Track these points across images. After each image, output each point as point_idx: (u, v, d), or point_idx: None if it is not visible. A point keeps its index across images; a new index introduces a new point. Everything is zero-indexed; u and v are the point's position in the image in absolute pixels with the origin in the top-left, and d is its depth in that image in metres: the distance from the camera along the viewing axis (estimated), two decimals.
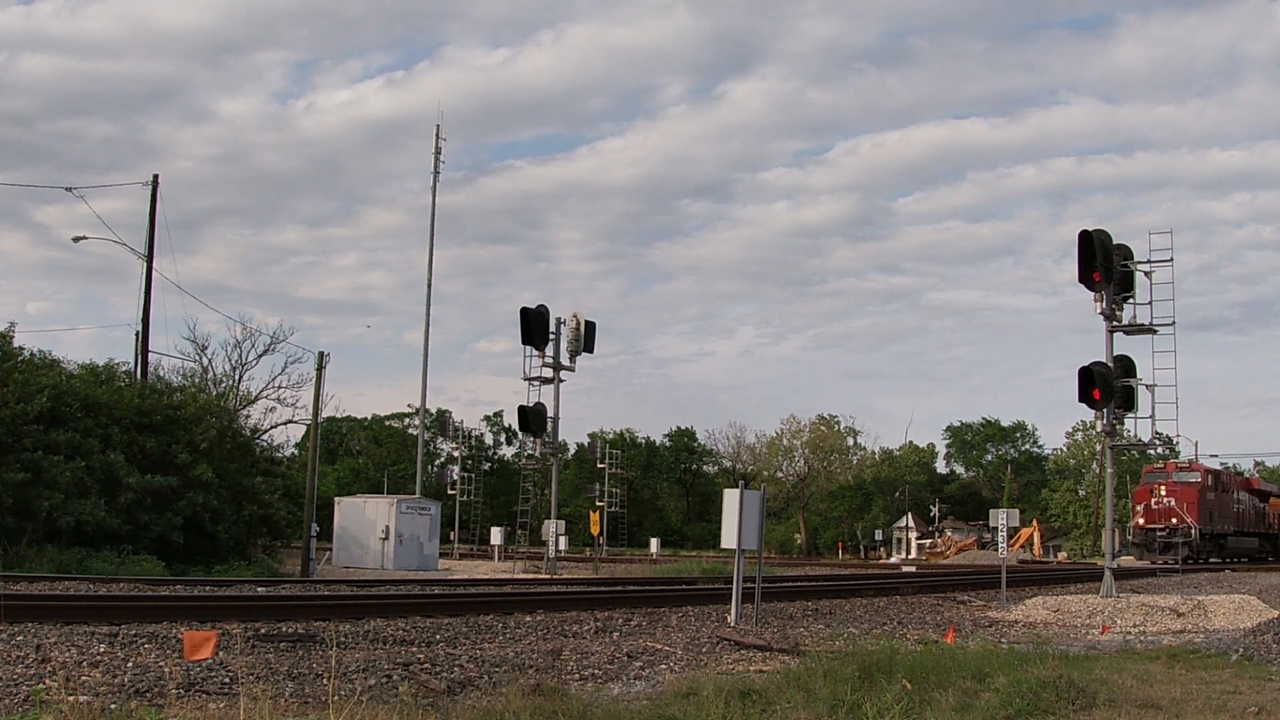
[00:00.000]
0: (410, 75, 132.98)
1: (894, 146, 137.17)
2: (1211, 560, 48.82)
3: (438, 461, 69.69)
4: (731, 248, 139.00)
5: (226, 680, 8.90)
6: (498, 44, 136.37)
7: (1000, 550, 22.51)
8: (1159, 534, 47.67)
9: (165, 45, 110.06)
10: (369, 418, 78.90)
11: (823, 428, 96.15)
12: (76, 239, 38.53)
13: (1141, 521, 49.24)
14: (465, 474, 52.88)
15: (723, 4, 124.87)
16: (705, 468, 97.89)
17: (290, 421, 44.68)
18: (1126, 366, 22.82)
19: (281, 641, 11.63)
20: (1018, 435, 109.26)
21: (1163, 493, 48.67)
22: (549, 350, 32.93)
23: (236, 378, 45.26)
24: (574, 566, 40.53)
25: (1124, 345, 23.06)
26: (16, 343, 29.95)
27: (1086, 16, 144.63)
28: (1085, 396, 22.16)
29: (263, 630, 12.24)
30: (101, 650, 10.22)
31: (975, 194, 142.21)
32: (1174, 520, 47.86)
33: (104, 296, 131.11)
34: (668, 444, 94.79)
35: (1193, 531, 47.31)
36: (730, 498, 15.97)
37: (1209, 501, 50.10)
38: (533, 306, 32.37)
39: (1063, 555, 76.51)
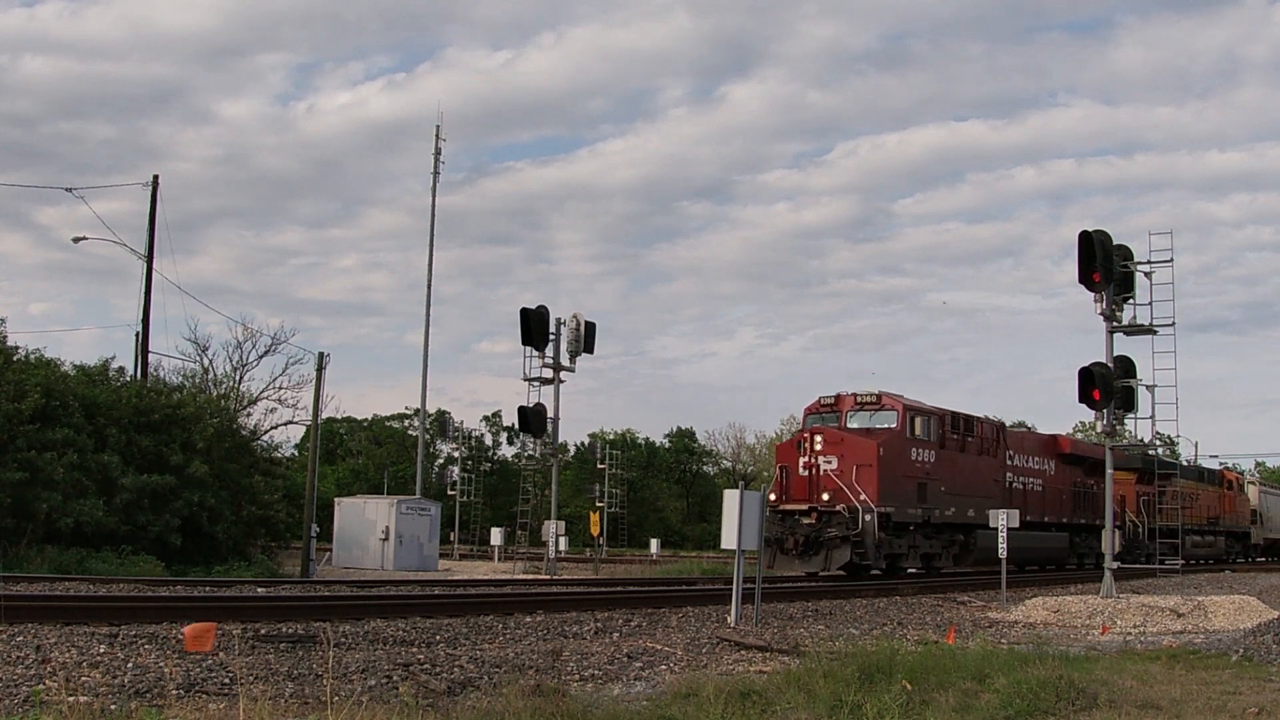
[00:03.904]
0: (411, 77, 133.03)
1: (894, 148, 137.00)
2: (944, 572, 30.85)
3: (438, 462, 69.70)
4: (732, 249, 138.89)
5: (226, 681, 8.90)
6: (498, 46, 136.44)
7: (1000, 550, 22.50)
8: (803, 522, 27.01)
9: (167, 47, 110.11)
10: (369, 418, 78.98)
11: None
12: (76, 239, 38.45)
13: (773, 498, 27.23)
14: (465, 474, 52.83)
15: (723, 6, 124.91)
16: (705, 468, 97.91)
17: (290, 422, 44.61)
18: (1126, 367, 22.83)
19: (281, 642, 11.62)
20: None
21: (818, 447, 27.55)
22: (549, 351, 32.91)
23: (237, 379, 45.24)
24: (574, 567, 40.51)
25: (1124, 346, 23.06)
26: (16, 343, 29.98)
27: (1086, 19, 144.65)
28: (1085, 397, 22.17)
29: (263, 630, 12.24)
30: (101, 651, 10.21)
31: (975, 195, 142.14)
32: (824, 497, 26.94)
33: (105, 298, 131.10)
34: (668, 444, 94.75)
35: (863, 519, 26.28)
36: (730, 498, 15.98)
37: (916, 465, 28.41)
38: (533, 307, 32.37)
39: None
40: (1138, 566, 34.95)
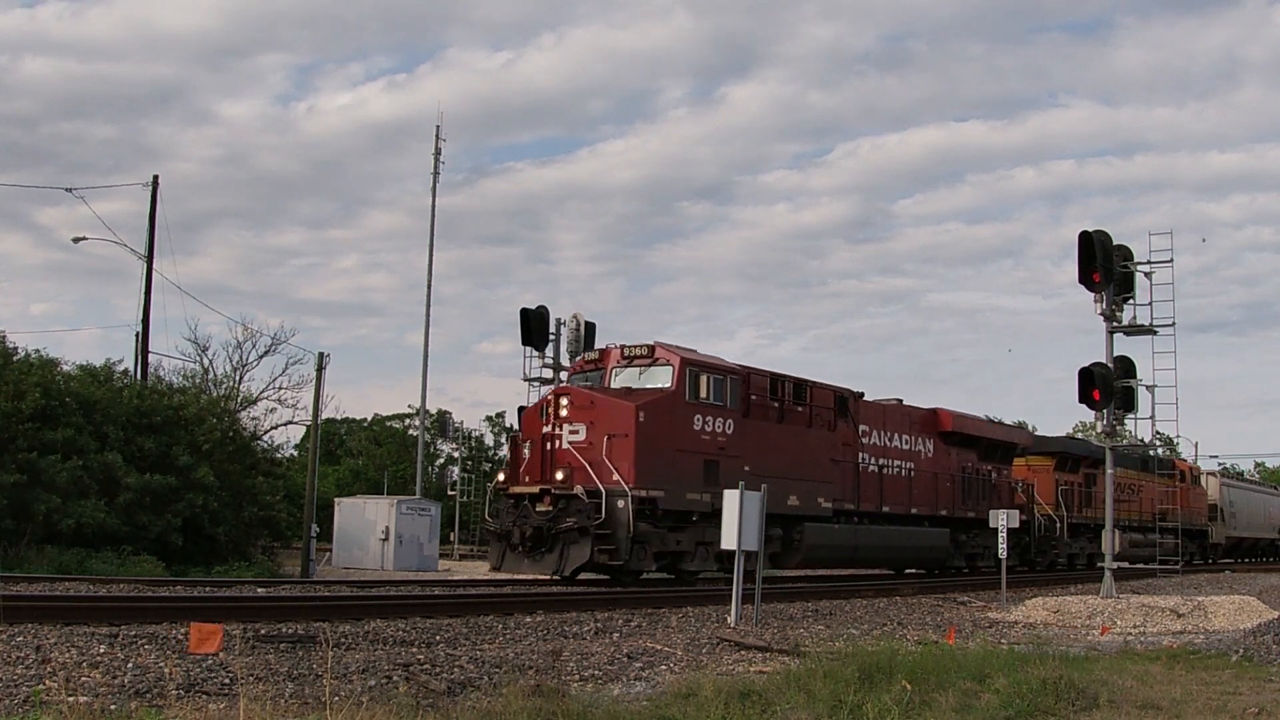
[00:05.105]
0: (412, 78, 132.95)
1: (894, 149, 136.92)
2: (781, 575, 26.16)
3: (438, 462, 69.66)
4: (732, 249, 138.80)
5: (226, 681, 8.90)
6: (499, 47, 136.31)
7: (1000, 551, 22.50)
8: (537, 510, 21.48)
9: (167, 48, 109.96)
10: (369, 418, 79.03)
11: None
12: (76, 239, 38.42)
13: (501, 478, 23.29)
14: (465, 474, 52.81)
15: (723, 7, 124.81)
16: None
17: (290, 422, 44.60)
18: (1126, 367, 22.83)
19: (281, 642, 11.62)
20: None
21: (563, 413, 21.94)
22: (549, 351, 32.89)
23: (237, 379, 45.23)
24: None
25: (1124, 346, 23.05)
26: (16, 343, 29.97)
27: (1086, 20, 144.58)
28: (1085, 397, 22.17)
29: (263, 631, 12.24)
30: (101, 651, 10.21)
31: (975, 196, 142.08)
32: (559, 476, 21.25)
33: (106, 298, 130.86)
34: None
35: (613, 506, 20.75)
36: (730, 498, 15.99)
37: (702, 437, 22.62)
38: (533, 308, 32.37)
39: None
40: (1036, 573, 30.85)
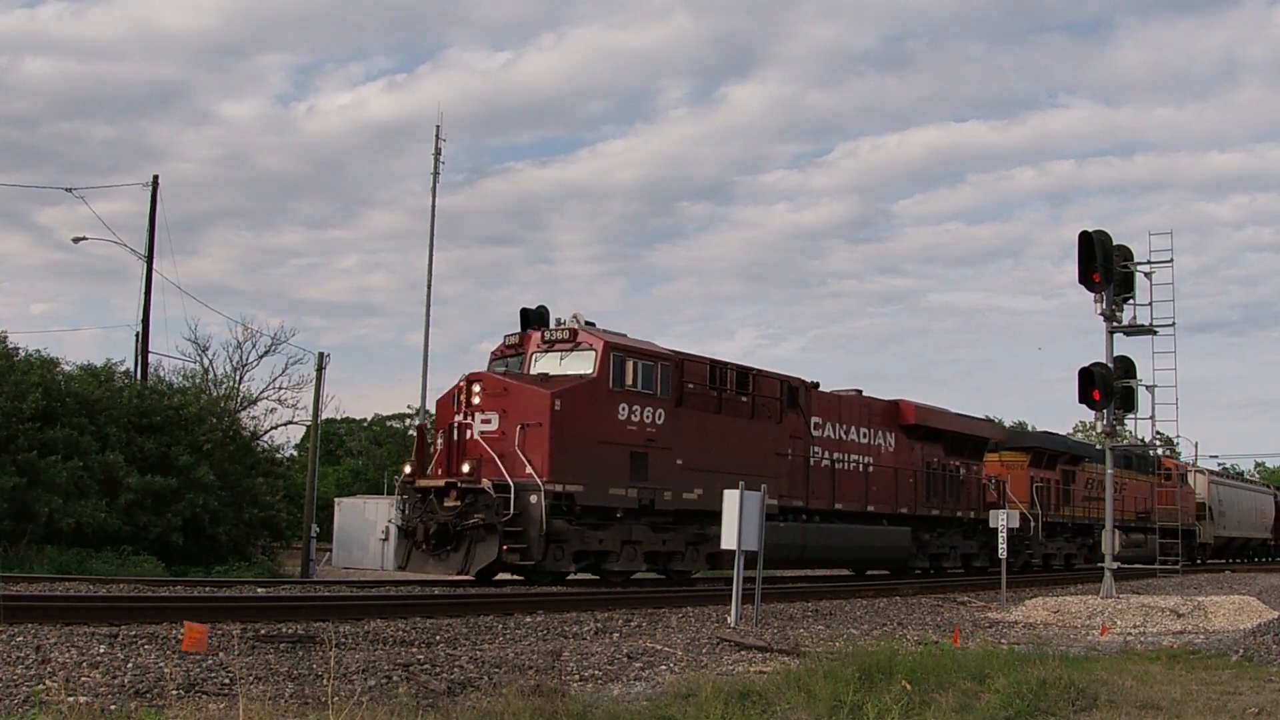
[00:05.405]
0: (412, 78, 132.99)
1: (894, 149, 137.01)
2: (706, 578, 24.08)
3: None
4: (732, 249, 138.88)
5: (226, 681, 8.90)
6: (499, 47, 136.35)
7: (1000, 551, 22.50)
8: (445, 505, 20.18)
9: (168, 48, 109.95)
10: (370, 418, 79.00)
11: None
12: (76, 239, 38.44)
13: (407, 470, 21.63)
14: None
15: (723, 7, 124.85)
16: None
17: (290, 422, 44.61)
18: (1126, 367, 22.83)
19: (281, 642, 11.62)
20: None
21: (475, 400, 20.70)
22: None
23: (237, 379, 45.24)
24: None
25: (1124, 346, 23.05)
26: (17, 344, 29.99)
27: (1086, 20, 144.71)
28: (1085, 397, 22.17)
29: (263, 631, 12.23)
30: (101, 651, 10.21)
31: (975, 196, 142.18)
32: (465, 469, 20.14)
33: (106, 298, 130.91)
34: None
35: (525, 501, 19.64)
36: (730, 498, 15.97)
37: (627, 428, 21.41)
38: (533, 308, 32.30)
39: None
40: (1012, 575, 26.46)
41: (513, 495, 19.52)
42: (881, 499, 28.01)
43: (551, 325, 22.75)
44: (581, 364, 21.16)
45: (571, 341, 21.46)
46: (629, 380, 21.45)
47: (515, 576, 21.45)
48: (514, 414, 20.29)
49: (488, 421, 20.50)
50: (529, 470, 19.80)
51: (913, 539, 28.79)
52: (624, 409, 21.36)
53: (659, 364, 22.21)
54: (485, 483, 19.77)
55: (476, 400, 20.68)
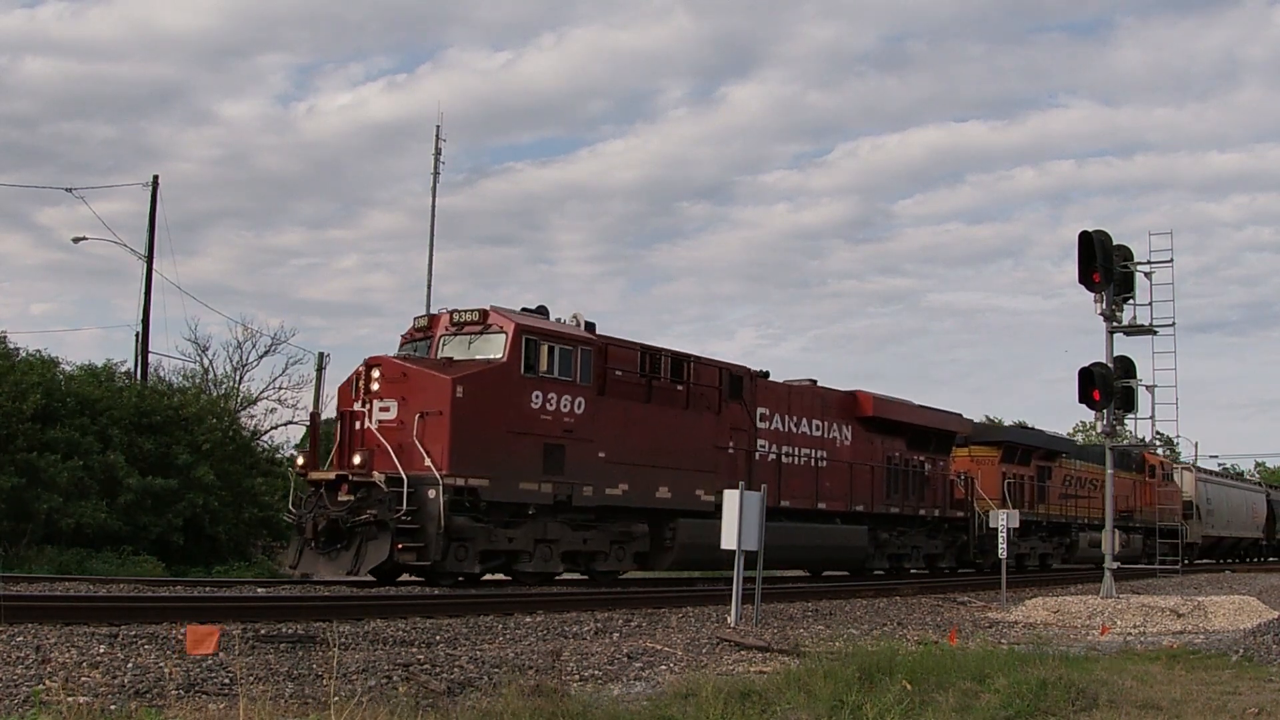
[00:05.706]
0: (412, 78, 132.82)
1: (894, 149, 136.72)
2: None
3: None
4: (732, 249, 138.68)
5: (226, 681, 8.90)
6: (499, 47, 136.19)
7: (1000, 550, 22.50)
8: (337, 500, 18.87)
9: (168, 48, 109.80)
10: None
11: None
12: (76, 239, 38.38)
13: (300, 462, 20.61)
14: None
15: (723, 7, 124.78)
16: None
17: (291, 422, 44.57)
18: (1126, 367, 22.83)
19: (281, 642, 11.62)
20: None
21: (374, 386, 19.20)
22: None
23: (237, 379, 45.22)
24: None
25: (1124, 346, 23.05)
26: (18, 344, 29.99)
27: (1086, 20, 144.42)
28: (1085, 397, 22.17)
29: (263, 630, 12.24)
30: (101, 651, 10.22)
31: (975, 196, 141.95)
32: (356, 460, 18.66)
33: (106, 298, 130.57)
34: None
35: (421, 495, 18.15)
36: (730, 498, 15.97)
37: (541, 417, 19.81)
38: (533, 308, 32.29)
39: None
40: (984, 576, 27.37)
41: (405, 489, 17.93)
42: (835, 495, 26.41)
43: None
44: (490, 348, 19.58)
45: (481, 324, 19.87)
46: (543, 366, 19.91)
47: (417, 578, 19.92)
48: (413, 402, 18.72)
49: (386, 410, 18.98)
50: (428, 463, 18.21)
51: (870, 538, 27.23)
52: (538, 397, 19.76)
53: (578, 348, 20.55)
54: (377, 476, 18.26)
55: (375, 387, 19.13)
